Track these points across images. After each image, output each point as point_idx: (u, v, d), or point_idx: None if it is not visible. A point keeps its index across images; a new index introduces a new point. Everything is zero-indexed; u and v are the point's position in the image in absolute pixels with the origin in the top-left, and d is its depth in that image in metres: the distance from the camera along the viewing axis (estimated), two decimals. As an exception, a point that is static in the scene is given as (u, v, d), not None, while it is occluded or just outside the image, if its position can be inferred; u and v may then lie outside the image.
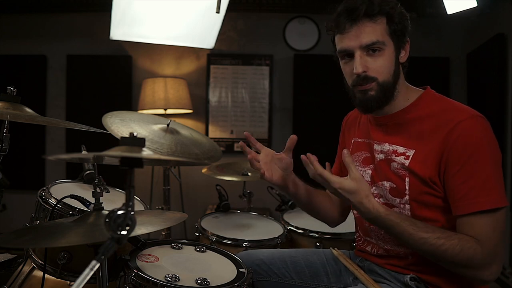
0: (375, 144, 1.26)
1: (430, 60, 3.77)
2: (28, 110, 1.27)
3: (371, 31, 1.13)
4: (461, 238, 1.06)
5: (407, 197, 1.16)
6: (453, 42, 3.81)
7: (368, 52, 1.15)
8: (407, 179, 1.15)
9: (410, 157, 1.15)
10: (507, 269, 2.99)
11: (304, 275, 1.38)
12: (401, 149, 1.18)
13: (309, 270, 1.39)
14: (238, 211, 2.14)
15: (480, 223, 1.05)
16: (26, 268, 1.38)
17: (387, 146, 1.22)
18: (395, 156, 1.18)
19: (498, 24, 3.24)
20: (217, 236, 1.74)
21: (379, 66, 1.15)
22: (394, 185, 1.18)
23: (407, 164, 1.15)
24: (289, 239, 1.89)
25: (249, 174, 2.31)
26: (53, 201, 1.34)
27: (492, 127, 1.11)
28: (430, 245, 1.06)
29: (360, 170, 1.30)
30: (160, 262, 1.27)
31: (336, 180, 1.12)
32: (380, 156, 1.23)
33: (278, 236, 1.79)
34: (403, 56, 1.20)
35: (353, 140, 1.39)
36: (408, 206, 1.16)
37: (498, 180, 1.07)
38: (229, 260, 1.35)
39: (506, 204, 1.06)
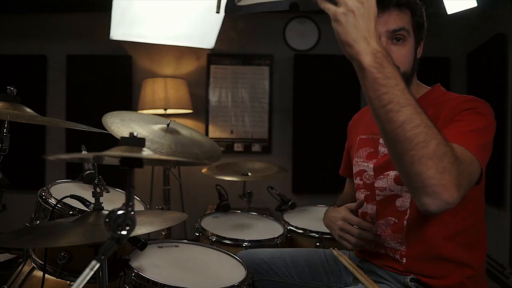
0: (381, 138, 1.28)
1: (430, 60, 3.74)
2: (28, 110, 1.27)
3: (399, 19, 1.16)
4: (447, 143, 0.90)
5: None
6: (453, 42, 3.81)
7: (392, 41, 1.17)
8: None
9: None
10: (507, 269, 2.99)
11: (304, 274, 1.38)
12: None
13: (309, 269, 1.39)
14: (238, 211, 2.14)
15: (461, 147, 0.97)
16: (26, 268, 1.38)
17: None
18: None
19: (498, 24, 3.24)
20: (217, 236, 1.74)
21: (402, 55, 1.17)
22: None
23: None
24: (289, 239, 1.89)
25: (249, 174, 2.31)
26: (53, 201, 1.34)
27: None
28: (414, 113, 0.86)
29: (364, 166, 1.32)
30: (160, 262, 1.27)
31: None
32: (385, 150, 1.26)
33: (278, 236, 1.79)
34: (419, 51, 1.24)
35: (358, 138, 1.41)
36: (410, 194, 1.17)
37: (482, 144, 1.03)
38: (229, 260, 1.35)
39: (481, 165, 1.00)
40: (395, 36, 1.16)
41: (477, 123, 1.07)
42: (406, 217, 1.19)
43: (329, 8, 0.86)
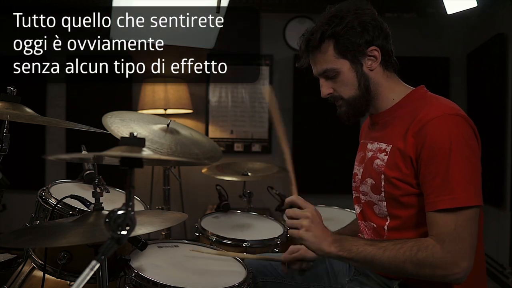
0: (368, 144, 1.30)
1: (430, 60, 3.77)
2: (28, 110, 1.27)
3: (319, 61, 1.22)
4: (417, 239, 1.08)
5: (383, 194, 1.18)
6: (453, 42, 3.81)
7: (326, 77, 1.23)
8: (382, 176, 1.17)
9: (388, 152, 1.18)
10: (507, 269, 2.99)
11: (307, 275, 1.40)
12: (383, 146, 1.21)
13: (311, 271, 1.40)
14: (238, 211, 2.14)
15: (441, 221, 1.05)
16: (26, 268, 1.38)
17: (376, 145, 1.25)
18: (379, 153, 1.21)
19: (498, 24, 3.24)
20: (217, 236, 1.74)
21: (339, 87, 1.23)
22: (374, 182, 1.21)
23: (386, 160, 1.17)
24: (289, 239, 1.88)
25: (249, 174, 2.31)
26: (53, 201, 1.34)
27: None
28: (390, 251, 1.06)
29: (356, 169, 1.34)
30: (160, 262, 1.27)
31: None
32: (369, 154, 1.27)
33: (278, 236, 1.79)
34: (372, 63, 1.20)
35: (360, 142, 1.43)
36: (384, 203, 1.19)
37: (466, 180, 1.05)
38: (229, 260, 1.35)
39: (473, 204, 1.04)
40: (324, 76, 1.23)
41: (447, 169, 1.05)
42: (387, 223, 1.20)
43: (293, 233, 1.12)
